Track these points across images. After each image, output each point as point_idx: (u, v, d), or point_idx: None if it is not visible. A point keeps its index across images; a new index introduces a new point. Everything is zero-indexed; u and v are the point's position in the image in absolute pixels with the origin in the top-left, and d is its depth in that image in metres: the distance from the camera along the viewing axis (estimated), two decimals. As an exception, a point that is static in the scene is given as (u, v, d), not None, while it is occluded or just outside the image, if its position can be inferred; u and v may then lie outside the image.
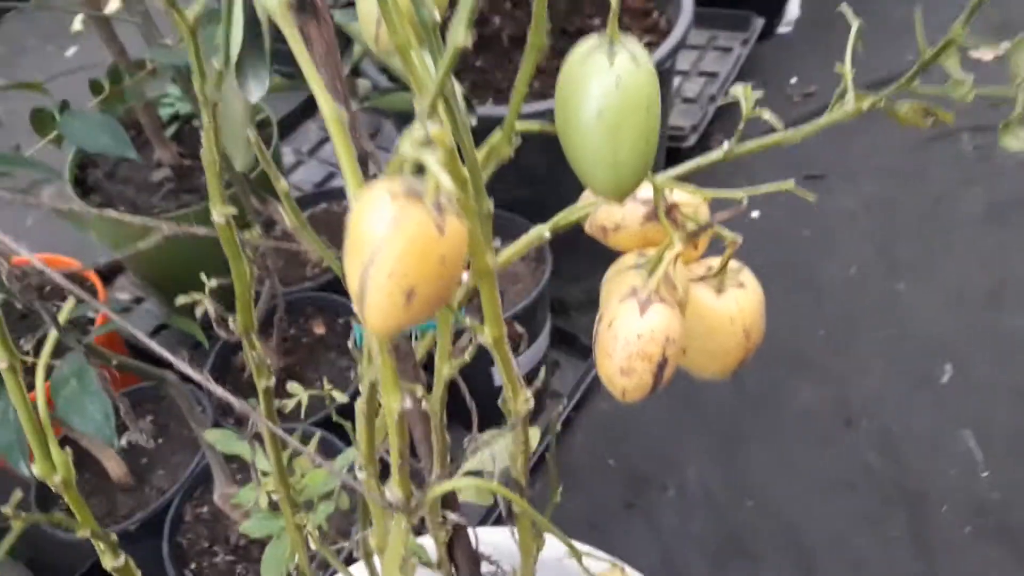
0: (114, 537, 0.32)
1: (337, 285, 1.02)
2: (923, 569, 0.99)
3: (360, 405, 0.32)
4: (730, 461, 1.11)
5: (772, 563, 1.01)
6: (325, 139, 1.55)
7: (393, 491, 0.26)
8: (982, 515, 1.03)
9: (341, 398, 0.45)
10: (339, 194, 1.20)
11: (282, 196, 0.26)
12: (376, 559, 0.54)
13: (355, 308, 0.21)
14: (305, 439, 0.62)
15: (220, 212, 0.31)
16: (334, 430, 0.83)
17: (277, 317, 0.43)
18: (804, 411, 1.16)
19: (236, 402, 0.24)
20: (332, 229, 1.12)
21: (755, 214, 1.36)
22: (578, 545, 0.32)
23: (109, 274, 1.35)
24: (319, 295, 1.02)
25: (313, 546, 0.43)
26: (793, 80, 1.63)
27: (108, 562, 0.33)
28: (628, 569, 0.34)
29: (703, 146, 1.44)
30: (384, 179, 0.21)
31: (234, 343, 0.99)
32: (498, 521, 1.00)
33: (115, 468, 0.86)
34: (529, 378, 1.21)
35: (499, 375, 0.35)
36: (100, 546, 0.32)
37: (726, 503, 1.07)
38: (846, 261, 1.34)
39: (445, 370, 0.39)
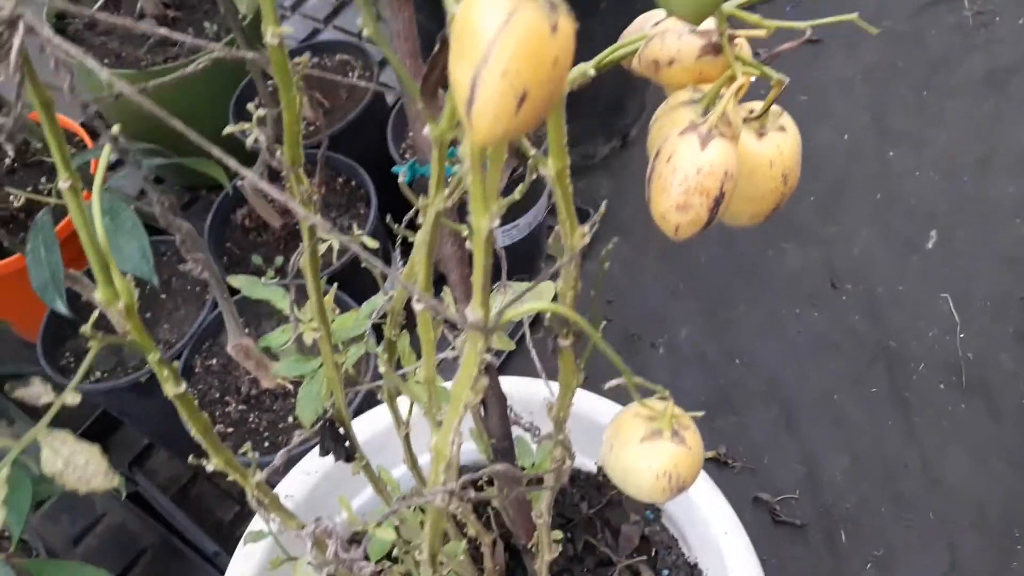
0: (176, 364, 0.32)
1: (336, 142, 0.99)
2: (899, 423, 1.05)
3: (422, 235, 0.32)
4: (719, 322, 1.15)
5: (757, 417, 1.06)
6: (308, -9, 1.47)
7: (475, 311, 0.27)
8: (956, 373, 1.08)
9: (372, 244, 0.45)
10: (327, 48, 1.15)
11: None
12: (399, 401, 0.55)
13: (460, 112, 0.21)
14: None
15: (274, 32, 0.30)
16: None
17: (320, 156, 0.43)
18: (792, 274, 1.19)
19: (300, 210, 0.24)
20: (324, 84, 1.08)
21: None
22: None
23: (93, 129, 1.30)
24: (314, 152, 0.99)
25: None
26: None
27: (170, 390, 0.33)
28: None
29: None
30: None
31: (233, 201, 0.97)
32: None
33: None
34: (527, 244, 1.20)
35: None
36: (163, 373, 0.32)
37: (715, 362, 1.11)
38: (840, 128, 1.33)
39: (495, 207, 0.39)
